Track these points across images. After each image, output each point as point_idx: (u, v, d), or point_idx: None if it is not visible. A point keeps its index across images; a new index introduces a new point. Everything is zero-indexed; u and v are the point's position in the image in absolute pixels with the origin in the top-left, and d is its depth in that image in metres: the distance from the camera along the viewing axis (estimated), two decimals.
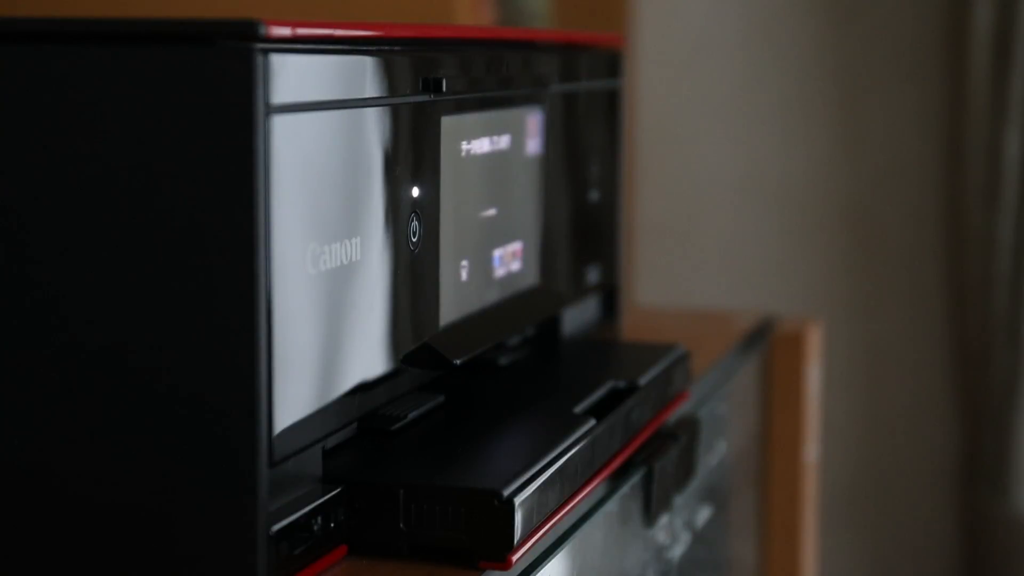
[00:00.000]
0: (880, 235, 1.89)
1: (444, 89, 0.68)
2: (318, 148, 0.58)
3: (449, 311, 0.71)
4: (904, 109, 1.86)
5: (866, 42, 1.86)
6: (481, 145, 0.74)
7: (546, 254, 0.84)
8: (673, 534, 0.86)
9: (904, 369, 1.90)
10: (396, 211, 0.65)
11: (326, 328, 0.59)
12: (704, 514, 0.94)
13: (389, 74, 0.64)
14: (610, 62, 0.95)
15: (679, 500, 0.85)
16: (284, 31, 0.55)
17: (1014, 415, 1.78)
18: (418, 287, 0.67)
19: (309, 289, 0.58)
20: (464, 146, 0.72)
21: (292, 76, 0.55)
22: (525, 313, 0.81)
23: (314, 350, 0.58)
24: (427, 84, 0.67)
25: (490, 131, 0.75)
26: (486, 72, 0.75)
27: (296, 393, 0.57)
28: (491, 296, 0.76)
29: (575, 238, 0.89)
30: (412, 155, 0.66)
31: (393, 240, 0.64)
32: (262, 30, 0.53)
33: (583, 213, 0.90)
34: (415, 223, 0.67)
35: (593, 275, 0.92)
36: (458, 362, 0.68)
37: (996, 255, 1.78)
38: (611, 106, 0.95)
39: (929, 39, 1.85)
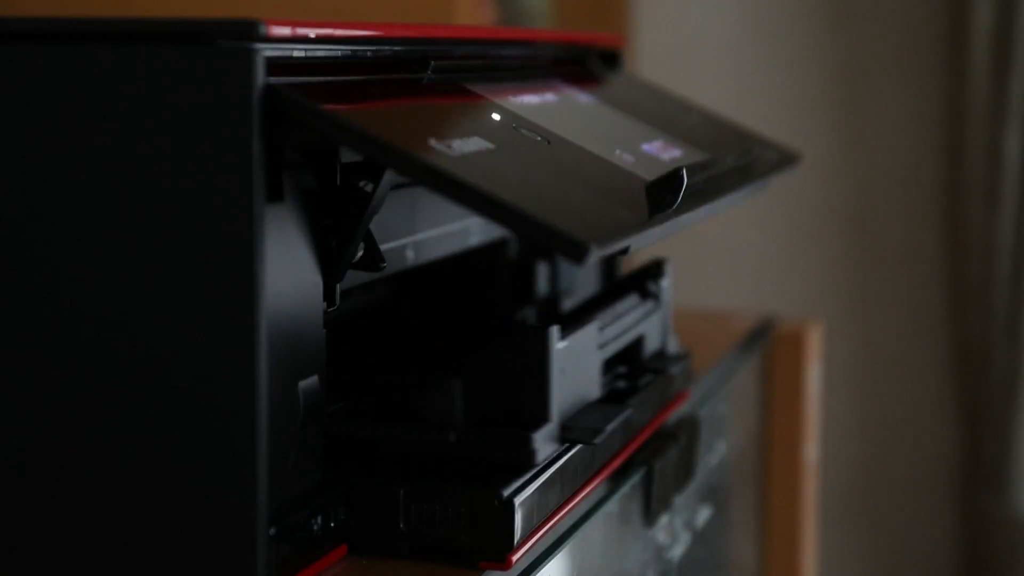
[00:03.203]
0: (880, 235, 1.89)
1: None
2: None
3: None
4: (904, 109, 1.86)
5: (866, 42, 1.86)
6: None
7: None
8: (673, 534, 0.86)
9: (904, 369, 1.90)
10: None
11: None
12: (704, 514, 0.94)
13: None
14: (610, 62, 0.95)
15: (679, 500, 0.85)
16: (284, 31, 0.55)
17: (1014, 415, 1.78)
18: None
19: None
20: None
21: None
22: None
23: None
24: None
25: None
26: None
27: None
28: None
29: None
30: None
31: None
32: (262, 30, 0.53)
33: None
34: None
35: None
36: None
37: (996, 255, 1.78)
38: None
39: (929, 39, 1.85)
